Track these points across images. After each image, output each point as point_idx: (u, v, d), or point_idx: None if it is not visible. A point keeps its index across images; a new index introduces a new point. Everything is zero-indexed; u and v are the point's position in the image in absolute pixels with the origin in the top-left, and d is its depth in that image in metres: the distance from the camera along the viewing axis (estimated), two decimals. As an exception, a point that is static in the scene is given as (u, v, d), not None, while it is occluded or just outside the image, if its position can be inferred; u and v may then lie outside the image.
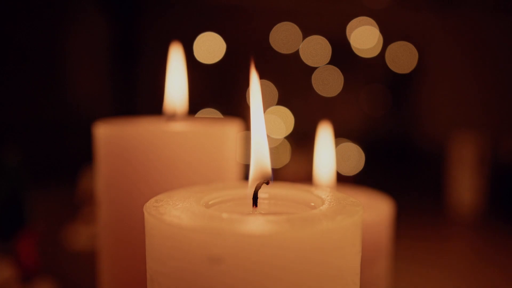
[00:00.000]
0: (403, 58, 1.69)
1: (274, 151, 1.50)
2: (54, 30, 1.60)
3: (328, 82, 1.68)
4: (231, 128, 0.39)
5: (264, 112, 0.27)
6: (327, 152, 0.42)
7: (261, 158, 0.27)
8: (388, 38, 1.66)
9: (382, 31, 1.65)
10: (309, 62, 1.68)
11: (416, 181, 1.46)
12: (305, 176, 0.51)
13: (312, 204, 0.27)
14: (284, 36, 1.67)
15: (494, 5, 1.55)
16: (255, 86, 0.27)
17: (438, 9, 1.59)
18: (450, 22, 1.63)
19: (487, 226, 1.11)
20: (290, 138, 1.61)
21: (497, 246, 0.97)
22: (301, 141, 1.50)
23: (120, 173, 0.37)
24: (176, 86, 0.41)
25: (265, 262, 0.21)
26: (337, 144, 1.56)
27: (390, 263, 0.40)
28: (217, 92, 1.80)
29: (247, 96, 1.60)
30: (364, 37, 1.66)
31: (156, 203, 0.25)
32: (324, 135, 0.42)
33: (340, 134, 1.57)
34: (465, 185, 1.18)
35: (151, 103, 0.76)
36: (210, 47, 1.66)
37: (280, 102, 1.63)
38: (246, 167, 0.29)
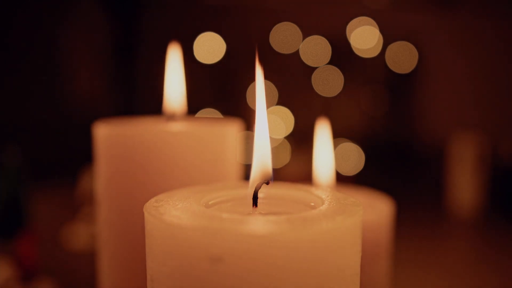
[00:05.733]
0: (403, 58, 1.69)
1: (274, 151, 1.50)
2: (54, 30, 1.60)
3: (328, 82, 1.68)
4: (231, 128, 0.39)
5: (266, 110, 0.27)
6: (325, 151, 0.42)
7: (263, 158, 0.27)
8: (388, 38, 1.66)
9: (382, 31, 1.65)
10: (309, 62, 1.68)
11: (416, 181, 1.46)
12: (305, 176, 0.51)
13: (312, 204, 0.27)
14: (284, 36, 1.67)
15: (494, 6, 1.55)
16: (260, 83, 0.27)
17: (438, 10, 1.59)
18: (450, 22, 1.63)
19: (487, 225, 1.11)
20: (290, 138, 1.61)
21: (497, 245, 0.97)
22: (301, 141, 1.50)
23: (120, 173, 0.37)
24: (174, 86, 0.41)
25: (265, 262, 0.21)
26: (337, 144, 1.56)
27: (390, 263, 0.40)
28: (217, 92, 1.80)
29: (247, 96, 1.60)
30: (364, 37, 1.66)
31: (156, 203, 0.25)
32: (322, 134, 0.42)
33: (340, 134, 1.57)
34: (465, 185, 1.19)
35: (151, 103, 0.76)
36: (210, 47, 1.66)
37: (280, 102, 1.63)
38: (246, 167, 0.29)
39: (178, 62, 0.42)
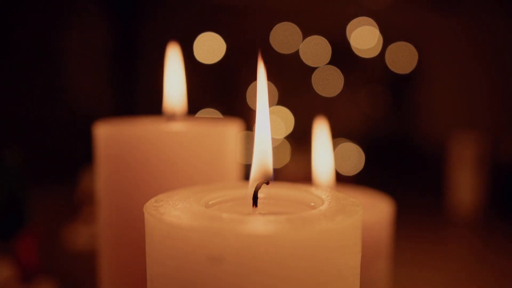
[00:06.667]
0: (403, 58, 1.69)
1: (274, 151, 1.50)
2: (54, 30, 1.60)
3: (328, 82, 1.68)
4: (231, 128, 0.39)
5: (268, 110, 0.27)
6: (325, 151, 0.42)
7: (264, 158, 0.27)
8: (388, 38, 1.66)
9: (382, 31, 1.65)
10: (309, 62, 1.68)
11: (416, 181, 1.46)
12: (305, 176, 0.51)
13: (312, 204, 0.27)
14: (284, 36, 1.67)
15: (494, 5, 1.55)
16: (262, 84, 0.27)
17: (438, 10, 1.59)
18: (450, 22, 1.63)
19: (487, 225, 1.11)
20: (290, 138, 1.61)
21: (497, 245, 0.97)
22: (301, 141, 1.50)
23: (120, 173, 0.37)
24: (174, 86, 0.41)
25: (265, 262, 0.21)
26: (337, 144, 1.56)
27: (390, 263, 0.40)
28: (217, 92, 1.80)
29: (247, 96, 1.60)
30: (364, 37, 1.66)
31: (156, 203, 0.25)
32: (321, 133, 0.42)
33: (340, 134, 1.57)
34: (465, 185, 1.18)
35: (151, 103, 0.76)
36: (210, 47, 1.66)
37: (280, 102, 1.63)
38: (246, 167, 0.29)
39: (178, 62, 0.42)
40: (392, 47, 1.67)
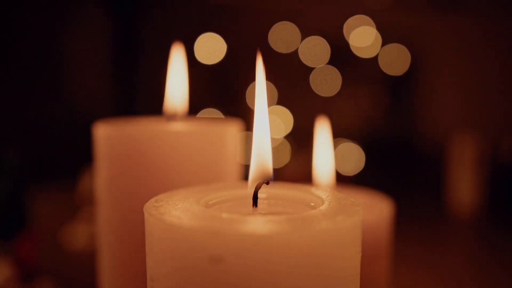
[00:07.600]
0: (403, 58, 1.69)
1: (274, 151, 1.50)
2: (55, 30, 1.60)
3: (326, 82, 1.68)
4: (231, 128, 0.39)
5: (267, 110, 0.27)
6: (325, 151, 0.42)
7: (263, 158, 0.27)
8: (387, 38, 1.66)
9: (380, 31, 1.65)
10: (308, 62, 1.68)
11: (416, 181, 1.46)
12: (305, 176, 0.51)
13: (312, 204, 0.27)
14: (283, 36, 1.67)
15: (493, 6, 1.55)
16: (261, 83, 0.27)
17: (438, 10, 1.59)
18: (450, 23, 1.63)
19: (487, 225, 1.11)
20: (290, 138, 1.61)
21: (497, 245, 0.97)
22: (300, 141, 1.50)
23: (120, 173, 0.37)
24: (176, 86, 0.42)
25: (265, 262, 0.21)
26: (337, 144, 1.56)
27: (390, 263, 0.40)
28: (218, 92, 1.80)
29: (247, 95, 1.60)
30: (363, 37, 1.66)
31: (156, 203, 0.25)
32: (322, 133, 0.42)
33: (340, 134, 1.57)
34: (465, 185, 1.18)
35: (151, 103, 0.76)
36: (211, 47, 1.66)
37: (279, 102, 1.63)
38: (246, 167, 0.29)
39: (181, 62, 0.42)
40: (391, 47, 1.68)
